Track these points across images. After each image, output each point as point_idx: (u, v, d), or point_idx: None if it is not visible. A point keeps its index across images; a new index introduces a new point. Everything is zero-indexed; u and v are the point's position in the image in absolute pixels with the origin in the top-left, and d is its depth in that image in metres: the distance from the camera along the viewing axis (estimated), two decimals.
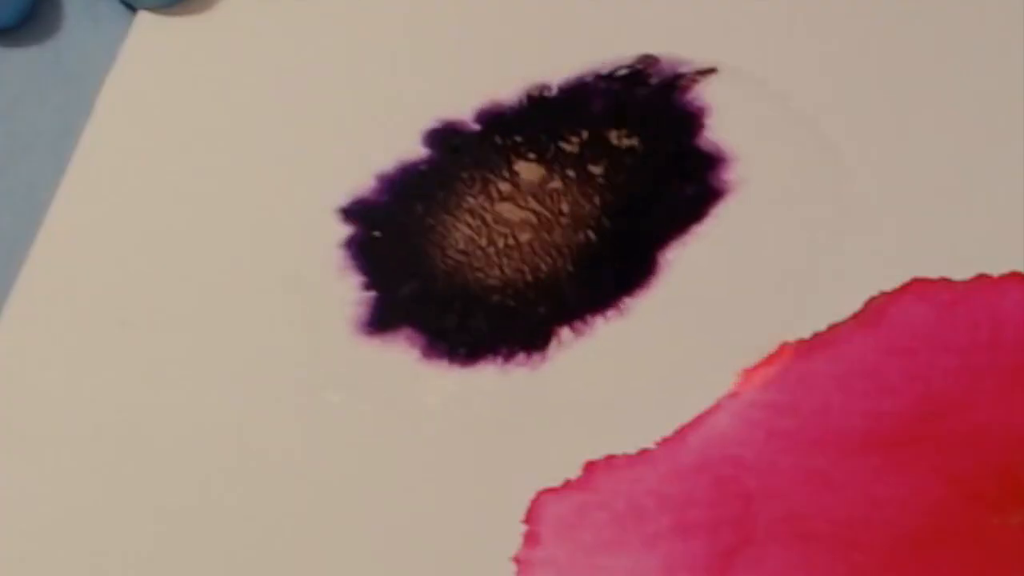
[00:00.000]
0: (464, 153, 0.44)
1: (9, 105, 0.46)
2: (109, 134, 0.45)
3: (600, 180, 0.44)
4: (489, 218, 0.43)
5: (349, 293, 0.42)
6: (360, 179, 0.44)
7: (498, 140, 0.45)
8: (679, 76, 0.46)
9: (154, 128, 0.46)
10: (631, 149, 0.44)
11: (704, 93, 0.45)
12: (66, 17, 0.48)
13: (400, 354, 0.41)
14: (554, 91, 0.46)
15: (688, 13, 0.47)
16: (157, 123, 0.46)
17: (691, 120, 0.45)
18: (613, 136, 0.45)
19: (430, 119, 0.45)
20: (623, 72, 0.46)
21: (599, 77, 0.46)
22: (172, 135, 0.46)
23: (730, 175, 0.43)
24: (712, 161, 0.44)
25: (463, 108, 0.46)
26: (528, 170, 0.44)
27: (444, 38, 0.47)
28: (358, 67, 0.47)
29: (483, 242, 0.43)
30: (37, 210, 0.44)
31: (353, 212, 0.44)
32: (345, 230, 0.43)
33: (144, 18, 0.48)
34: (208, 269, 0.43)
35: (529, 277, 0.42)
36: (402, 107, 0.46)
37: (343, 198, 0.44)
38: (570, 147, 0.44)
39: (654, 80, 0.46)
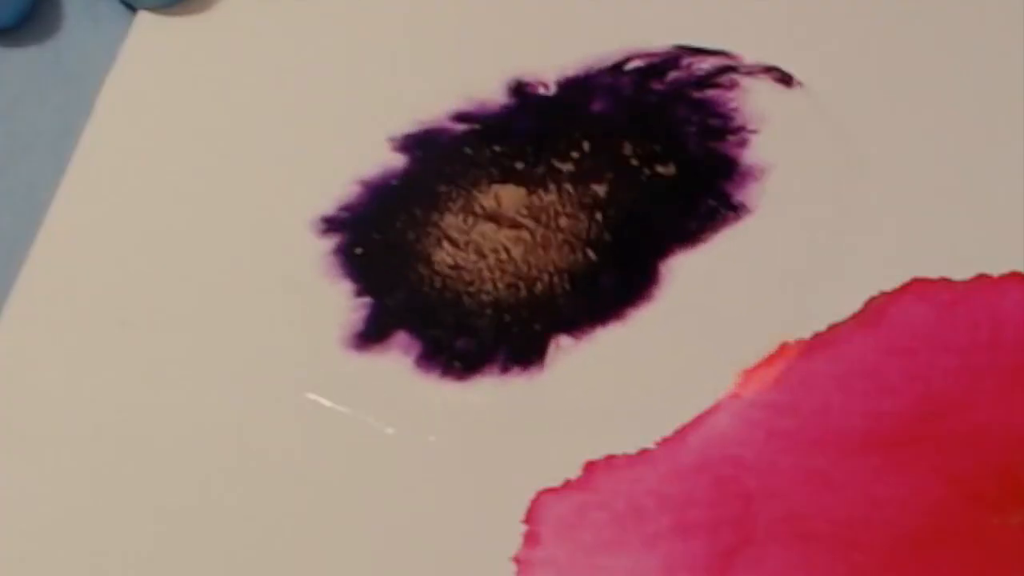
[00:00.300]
0: (448, 165, 0.44)
1: (9, 105, 0.46)
2: (109, 134, 0.45)
3: (603, 198, 0.43)
4: (476, 234, 0.43)
5: (346, 297, 0.42)
6: (354, 185, 0.44)
7: (488, 152, 0.44)
8: (722, 71, 0.45)
9: (154, 128, 0.46)
10: (650, 171, 0.44)
11: (725, 96, 0.45)
12: (66, 17, 0.48)
13: (398, 359, 0.41)
14: (552, 89, 0.46)
15: (693, 5, 0.47)
16: (157, 123, 0.46)
17: (718, 127, 0.45)
18: (626, 149, 0.44)
19: (429, 123, 0.45)
20: (634, 66, 0.46)
21: (604, 72, 0.46)
22: (172, 135, 0.46)
23: (751, 191, 0.43)
24: (733, 174, 0.43)
25: (465, 111, 0.46)
26: (509, 194, 0.44)
27: (445, 39, 0.47)
28: (357, 67, 0.47)
29: (473, 257, 0.42)
30: (37, 210, 0.44)
31: (338, 221, 0.43)
32: (333, 238, 0.43)
33: (144, 18, 0.48)
34: (207, 269, 0.43)
35: (524, 292, 0.42)
36: (402, 109, 0.46)
37: (334, 204, 0.44)
38: (567, 166, 0.44)
39: (673, 76, 0.45)
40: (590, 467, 0.38)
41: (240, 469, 0.39)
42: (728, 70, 0.46)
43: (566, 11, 0.47)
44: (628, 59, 0.46)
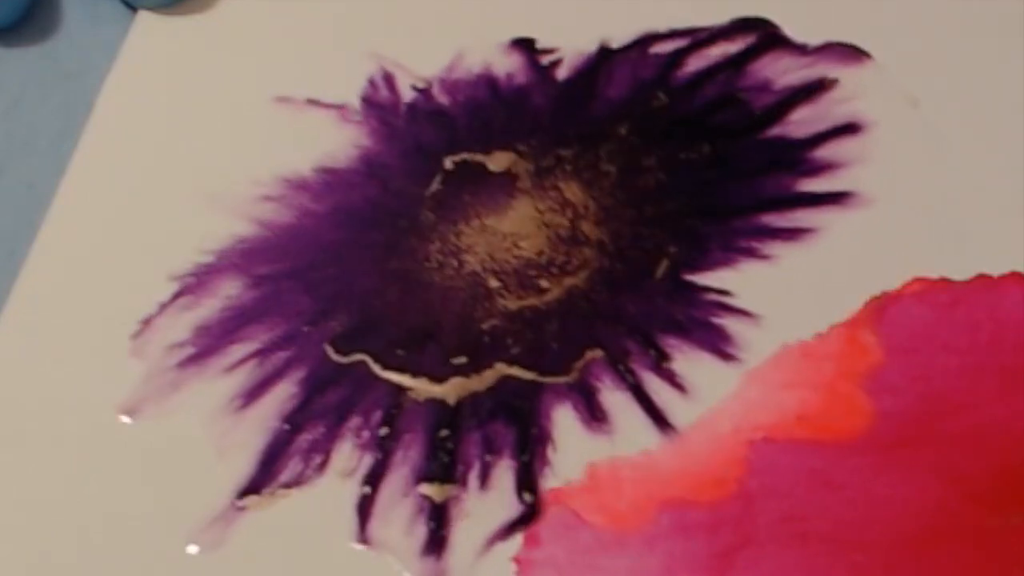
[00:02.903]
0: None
1: (9, 105, 0.46)
2: (109, 134, 0.45)
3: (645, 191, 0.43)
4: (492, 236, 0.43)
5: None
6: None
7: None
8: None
9: (154, 128, 0.46)
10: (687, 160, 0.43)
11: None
12: (66, 17, 0.48)
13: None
14: (565, 74, 0.46)
15: None
16: (157, 123, 0.46)
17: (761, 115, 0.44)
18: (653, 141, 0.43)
19: (428, 126, 0.45)
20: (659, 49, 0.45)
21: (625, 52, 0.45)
22: (172, 135, 0.46)
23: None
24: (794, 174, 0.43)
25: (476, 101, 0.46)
26: (498, 160, 0.43)
27: (448, 33, 0.47)
28: (358, 65, 0.47)
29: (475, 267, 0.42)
30: (37, 210, 0.44)
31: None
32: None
33: (144, 18, 0.48)
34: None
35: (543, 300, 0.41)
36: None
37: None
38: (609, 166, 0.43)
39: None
40: (591, 467, 0.38)
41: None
42: (770, 44, 0.45)
43: None
44: (650, 39, 0.46)
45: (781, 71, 0.45)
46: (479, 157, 0.43)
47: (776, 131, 0.44)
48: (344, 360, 0.40)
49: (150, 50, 0.47)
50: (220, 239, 0.43)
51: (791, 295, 0.41)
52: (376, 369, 0.40)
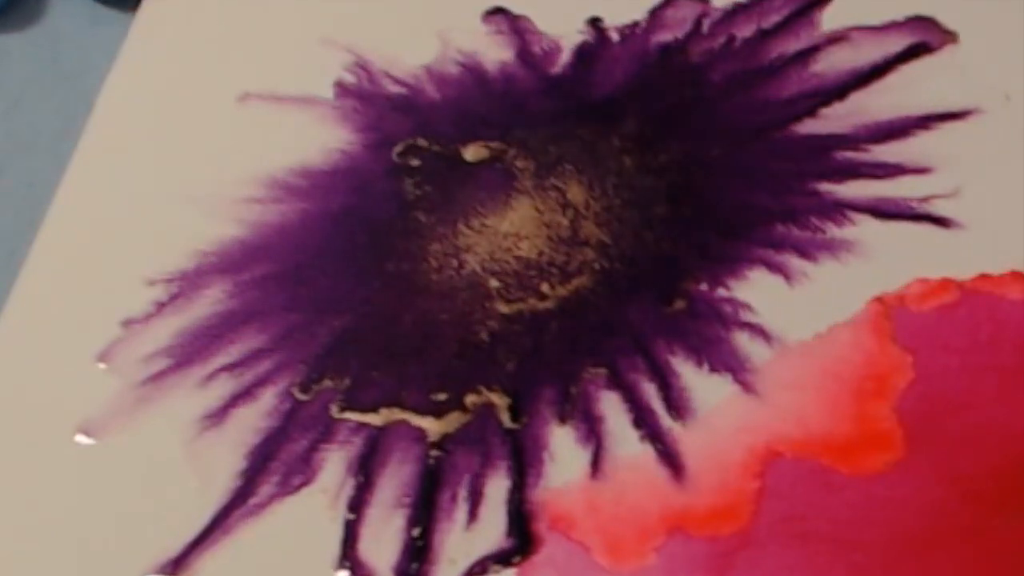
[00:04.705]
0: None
1: (9, 105, 0.46)
2: (109, 134, 0.45)
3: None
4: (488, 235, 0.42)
5: None
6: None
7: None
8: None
9: (154, 128, 0.46)
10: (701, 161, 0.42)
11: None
12: (66, 17, 0.48)
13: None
14: (562, 62, 0.46)
15: None
16: (157, 123, 0.46)
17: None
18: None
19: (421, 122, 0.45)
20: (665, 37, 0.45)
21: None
22: (172, 135, 0.46)
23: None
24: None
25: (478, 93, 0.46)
26: (475, 152, 0.43)
27: (451, 24, 0.47)
28: (359, 66, 0.47)
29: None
30: (37, 210, 0.44)
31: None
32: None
33: (144, 17, 0.48)
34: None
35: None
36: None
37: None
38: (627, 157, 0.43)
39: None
40: (591, 468, 0.38)
41: None
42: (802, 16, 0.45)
43: None
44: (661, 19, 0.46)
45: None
46: (452, 148, 0.43)
47: (809, 127, 0.43)
48: (306, 397, 0.40)
49: (150, 50, 0.47)
50: (220, 240, 0.43)
51: (813, 309, 0.40)
52: (333, 411, 0.39)
